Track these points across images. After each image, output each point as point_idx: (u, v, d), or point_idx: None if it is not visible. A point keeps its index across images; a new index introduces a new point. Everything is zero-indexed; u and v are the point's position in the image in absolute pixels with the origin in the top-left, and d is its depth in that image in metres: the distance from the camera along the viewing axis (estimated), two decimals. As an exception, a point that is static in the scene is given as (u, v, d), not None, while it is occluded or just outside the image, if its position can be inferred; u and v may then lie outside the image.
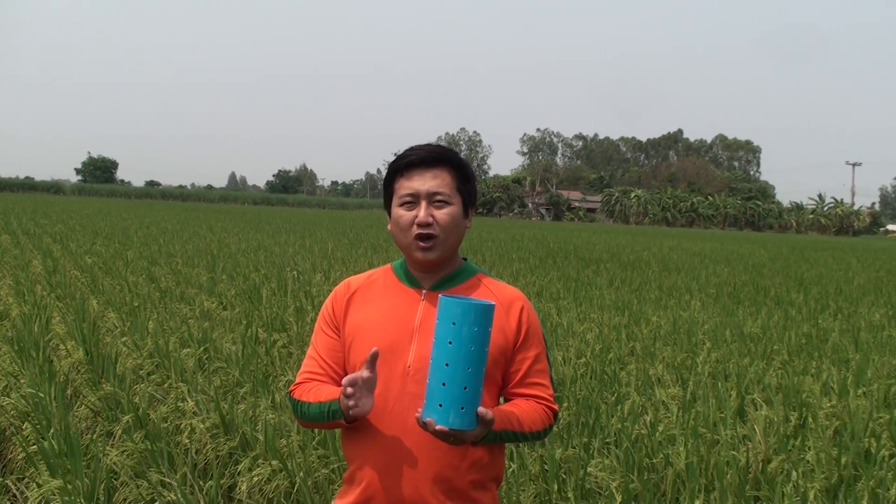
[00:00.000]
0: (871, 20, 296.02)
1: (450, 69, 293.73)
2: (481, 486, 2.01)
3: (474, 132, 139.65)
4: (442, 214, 2.01)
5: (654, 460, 4.24)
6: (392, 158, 2.11)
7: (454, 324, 1.74)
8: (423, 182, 2.01)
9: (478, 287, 2.09)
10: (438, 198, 2.01)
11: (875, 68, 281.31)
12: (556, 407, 2.10)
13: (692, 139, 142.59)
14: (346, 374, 2.08)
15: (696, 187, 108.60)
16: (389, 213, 2.09)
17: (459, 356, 1.74)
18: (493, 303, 1.81)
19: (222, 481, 3.85)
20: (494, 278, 2.15)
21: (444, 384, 1.74)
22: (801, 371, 6.62)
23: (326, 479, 3.84)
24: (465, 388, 1.75)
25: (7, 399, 4.76)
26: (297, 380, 2.09)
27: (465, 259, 2.17)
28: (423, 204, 2.01)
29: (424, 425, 1.77)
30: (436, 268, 2.07)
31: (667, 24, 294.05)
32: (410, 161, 2.03)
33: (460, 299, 1.78)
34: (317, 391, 2.01)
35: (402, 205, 2.03)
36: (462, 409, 1.75)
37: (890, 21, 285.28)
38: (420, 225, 1.99)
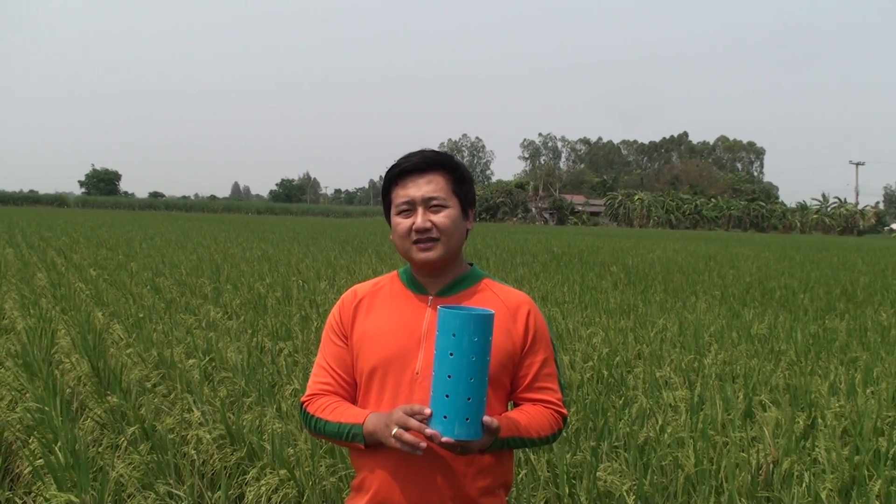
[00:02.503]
0: (873, 20, 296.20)
1: (452, 75, 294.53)
2: (490, 492, 2.00)
3: (476, 138, 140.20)
4: (440, 218, 2.00)
5: (664, 463, 4.22)
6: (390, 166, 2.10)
7: (454, 335, 1.73)
8: (418, 188, 2.00)
9: (484, 292, 2.07)
10: (435, 202, 2.00)
11: (877, 68, 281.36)
12: (564, 411, 2.09)
13: (695, 141, 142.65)
14: (355, 381, 2.07)
15: (700, 189, 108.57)
16: (390, 223, 2.08)
17: (461, 367, 1.72)
18: (493, 311, 1.80)
19: (230, 492, 3.84)
20: (501, 282, 2.14)
21: (447, 396, 1.73)
22: (809, 371, 6.59)
23: (335, 488, 3.83)
24: (469, 399, 1.74)
25: (13, 413, 4.75)
26: (309, 391, 2.08)
27: (472, 264, 2.16)
28: (420, 210, 2.00)
29: (430, 437, 1.76)
30: (439, 270, 2.05)
31: (669, 27, 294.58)
32: (404, 169, 2.03)
33: (459, 310, 1.78)
34: (335, 410, 1.99)
35: (399, 213, 2.03)
36: (467, 419, 1.74)
37: (892, 20, 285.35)
38: (418, 231, 1.99)
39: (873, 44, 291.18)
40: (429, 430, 1.75)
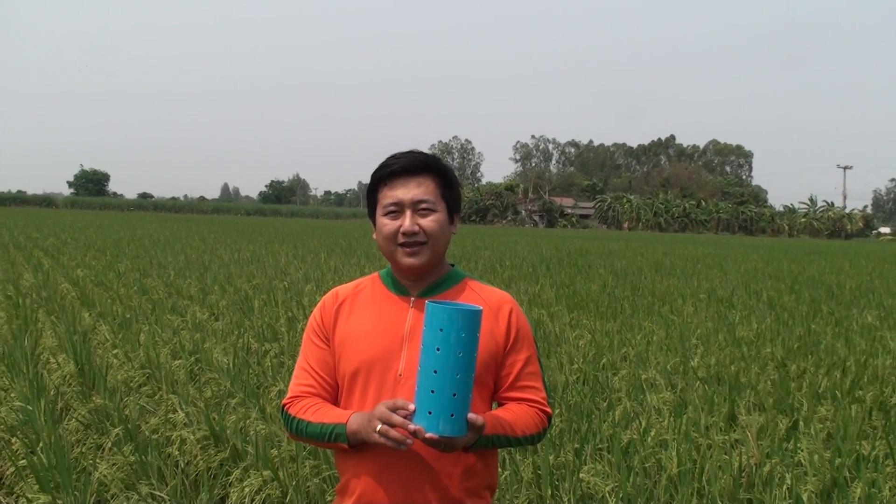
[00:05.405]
0: (861, 24, 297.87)
1: (442, 77, 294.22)
2: (475, 493, 2.00)
3: (466, 140, 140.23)
4: (428, 222, 1.99)
5: (647, 465, 4.24)
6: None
7: (441, 330, 1.71)
8: (407, 191, 1.99)
9: (466, 292, 2.07)
10: (423, 206, 1.99)
11: (866, 72, 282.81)
12: (549, 410, 2.08)
13: (685, 144, 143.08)
14: (337, 383, 2.07)
15: (689, 192, 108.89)
16: (374, 222, 2.08)
17: (448, 363, 1.71)
18: (481, 307, 1.79)
19: (214, 493, 3.83)
20: (482, 282, 2.14)
21: (432, 391, 1.72)
22: (794, 375, 6.62)
23: (318, 489, 3.83)
24: (455, 395, 1.72)
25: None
26: (291, 393, 2.06)
27: (452, 265, 2.16)
28: (408, 213, 1.99)
29: (414, 433, 1.75)
30: (423, 274, 2.05)
31: (658, 30, 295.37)
32: (393, 170, 2.01)
33: (447, 305, 1.77)
34: (317, 411, 1.98)
35: (386, 214, 2.01)
36: (452, 416, 1.73)
37: (880, 25, 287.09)
38: (405, 234, 1.98)
39: (862, 47, 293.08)
40: (412, 426, 1.74)
